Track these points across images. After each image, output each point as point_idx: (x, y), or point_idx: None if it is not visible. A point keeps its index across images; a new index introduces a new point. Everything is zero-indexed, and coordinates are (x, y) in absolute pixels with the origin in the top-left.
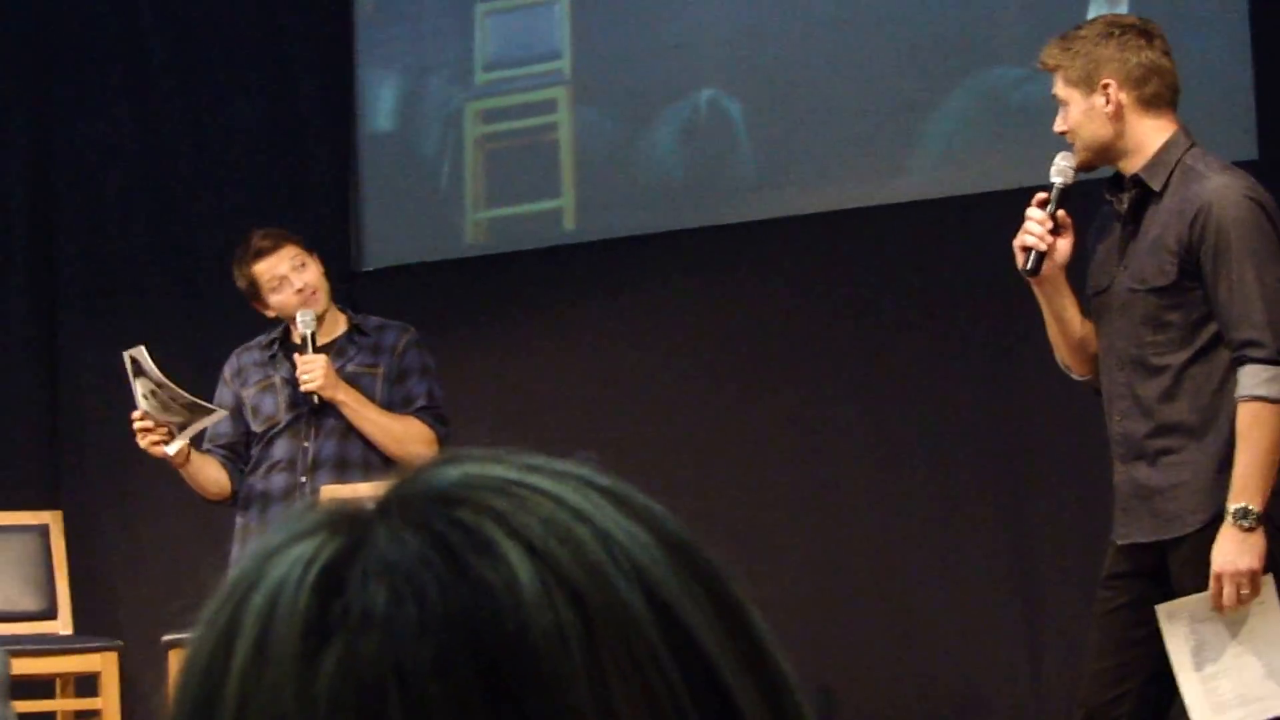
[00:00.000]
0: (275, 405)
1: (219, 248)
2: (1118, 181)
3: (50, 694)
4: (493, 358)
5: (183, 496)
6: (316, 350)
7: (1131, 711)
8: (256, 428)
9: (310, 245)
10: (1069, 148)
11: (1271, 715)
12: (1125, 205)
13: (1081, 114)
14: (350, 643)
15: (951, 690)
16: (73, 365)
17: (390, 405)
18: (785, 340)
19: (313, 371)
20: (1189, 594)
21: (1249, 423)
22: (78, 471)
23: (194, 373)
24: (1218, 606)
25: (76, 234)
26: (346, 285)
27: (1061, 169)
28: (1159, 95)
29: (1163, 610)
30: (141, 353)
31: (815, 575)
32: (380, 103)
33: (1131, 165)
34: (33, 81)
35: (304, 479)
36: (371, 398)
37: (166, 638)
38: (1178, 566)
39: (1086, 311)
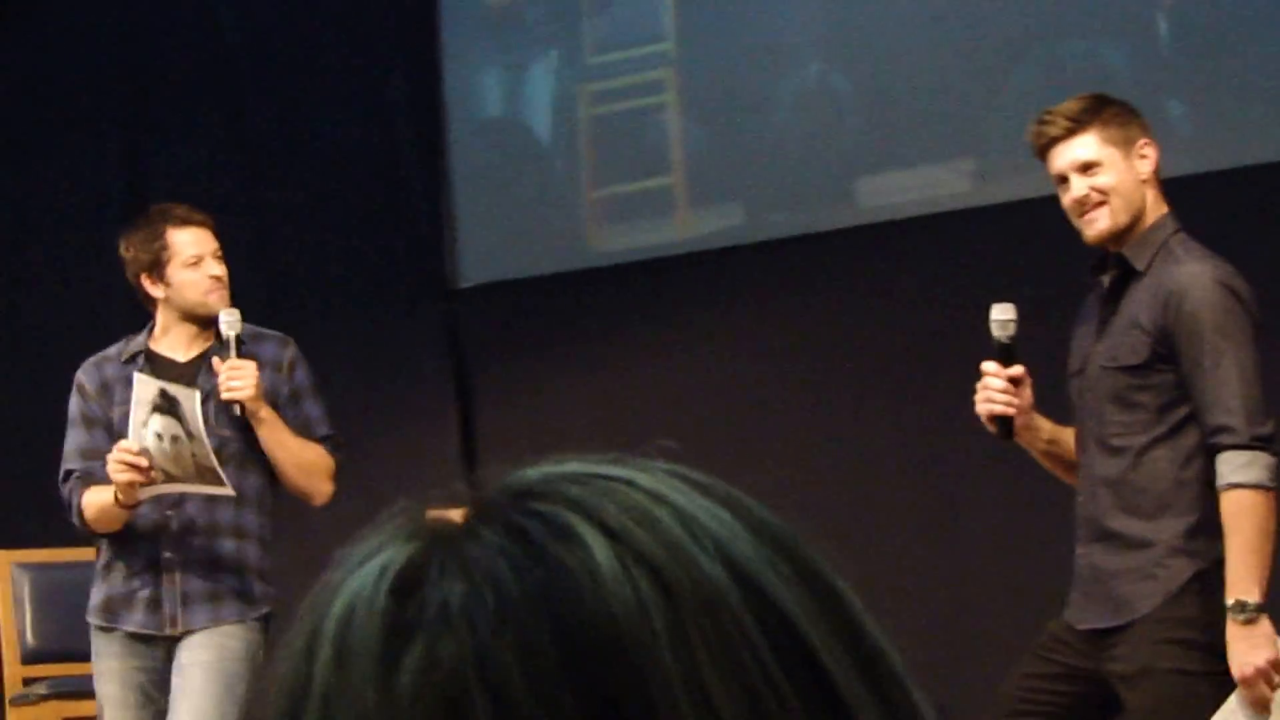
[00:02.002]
0: None
1: (311, 270)
2: (1102, 265)
3: None
4: (600, 374)
5: (278, 526)
6: (178, 367)
7: None
8: None
9: (411, 263)
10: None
11: None
12: (1107, 284)
13: (1121, 175)
14: (430, 638)
15: None
16: None
17: None
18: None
19: (244, 378)
20: (1130, 680)
21: (1232, 512)
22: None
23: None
24: (1255, 707)
25: None
26: (444, 303)
27: (1003, 324)
28: (1158, 171)
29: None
30: (191, 397)
31: (948, 589)
32: (478, 109)
33: (1127, 239)
34: (127, 107)
35: (170, 511)
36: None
37: None
38: (1124, 650)
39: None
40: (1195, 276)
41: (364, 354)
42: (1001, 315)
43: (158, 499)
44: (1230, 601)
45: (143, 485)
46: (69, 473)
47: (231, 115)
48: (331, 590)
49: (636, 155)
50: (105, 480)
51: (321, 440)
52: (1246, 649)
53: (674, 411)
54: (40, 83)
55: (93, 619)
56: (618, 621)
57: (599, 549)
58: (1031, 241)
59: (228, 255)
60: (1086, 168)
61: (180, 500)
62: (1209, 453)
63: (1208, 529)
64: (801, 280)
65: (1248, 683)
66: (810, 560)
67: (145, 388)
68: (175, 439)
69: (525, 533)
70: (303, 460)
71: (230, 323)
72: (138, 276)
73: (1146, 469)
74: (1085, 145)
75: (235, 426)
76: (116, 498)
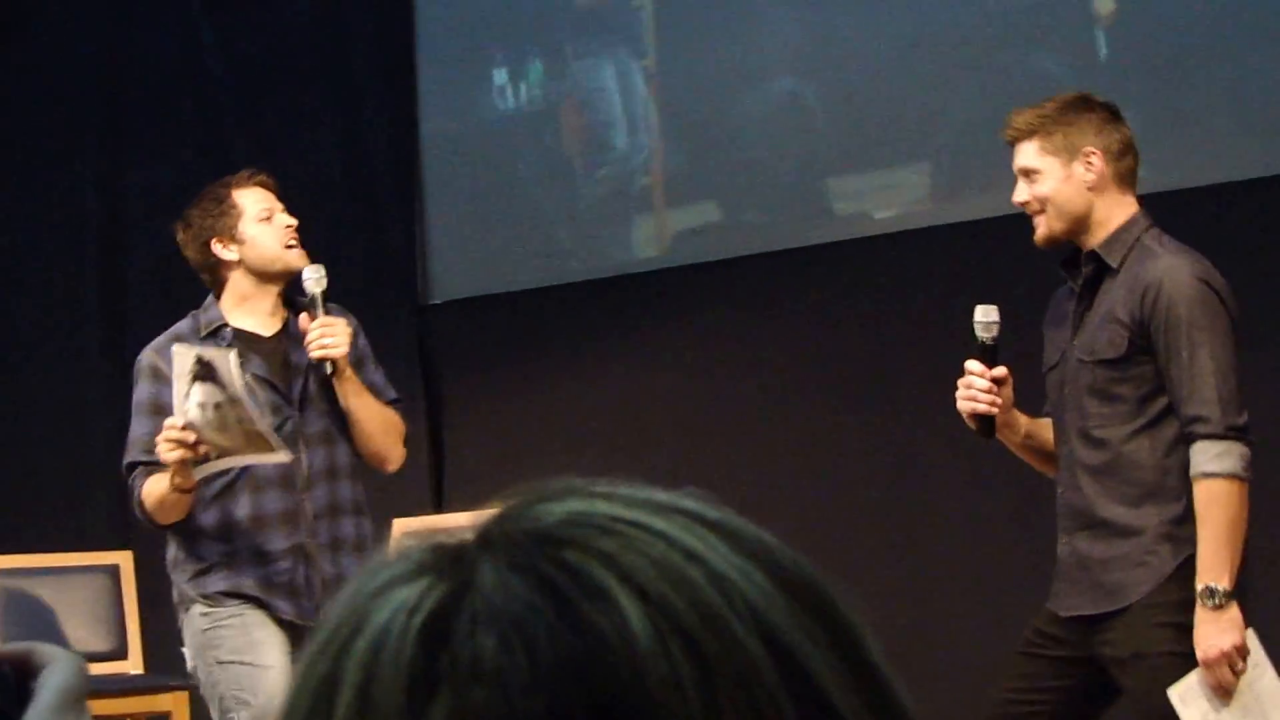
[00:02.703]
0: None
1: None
2: (1074, 260)
3: None
4: (569, 389)
5: None
6: (266, 342)
7: None
8: None
9: (381, 278)
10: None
11: None
12: (1081, 281)
13: (1060, 183)
14: (459, 694)
15: None
16: None
17: None
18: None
19: (336, 334)
20: (1124, 664)
21: (1204, 501)
22: None
23: None
24: (1216, 690)
25: (147, 279)
26: (415, 318)
27: (986, 325)
28: (1132, 172)
29: (1174, 694)
30: (226, 357)
31: (919, 601)
32: (452, 123)
33: (1092, 240)
34: (101, 123)
35: (303, 496)
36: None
37: None
38: (1117, 635)
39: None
40: (1172, 270)
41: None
42: (985, 317)
43: (286, 486)
44: (1200, 587)
45: (195, 463)
46: (133, 465)
47: (208, 135)
48: (350, 624)
49: (613, 170)
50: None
51: (390, 404)
52: (1214, 632)
53: (644, 425)
54: (17, 103)
55: (230, 591)
56: (651, 694)
57: (634, 615)
58: (1001, 253)
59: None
60: (1028, 174)
61: (309, 483)
62: (1185, 442)
63: (1193, 516)
64: (771, 294)
65: (1211, 665)
66: (845, 624)
67: (183, 358)
68: (217, 406)
69: (557, 588)
70: (385, 421)
71: (317, 279)
72: (206, 245)
73: (1129, 458)
74: (1026, 154)
75: (329, 399)
76: (173, 481)
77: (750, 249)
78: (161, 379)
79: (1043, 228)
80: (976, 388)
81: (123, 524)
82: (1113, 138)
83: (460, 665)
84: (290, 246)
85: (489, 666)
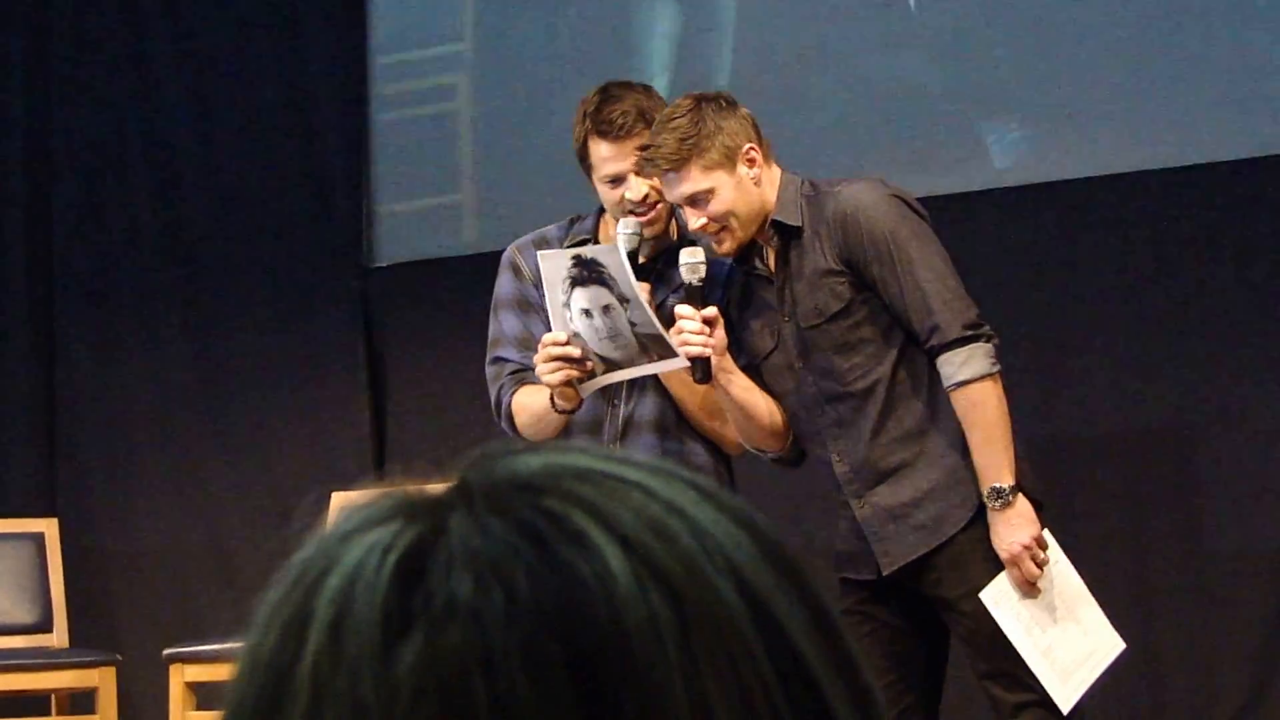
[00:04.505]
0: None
1: (225, 245)
2: (747, 254)
3: (45, 711)
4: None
5: (186, 505)
6: (642, 270)
7: None
8: None
9: (325, 240)
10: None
11: (1106, 664)
12: (771, 259)
13: (734, 193)
14: (434, 631)
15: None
16: (70, 367)
17: None
18: None
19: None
20: (956, 591)
21: (965, 409)
22: (75, 478)
23: (195, 380)
24: (1024, 586)
25: (75, 230)
26: (359, 282)
27: (693, 266)
28: (768, 144)
29: (987, 596)
30: (614, 251)
31: None
32: (401, 86)
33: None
34: (30, 68)
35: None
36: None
37: (167, 651)
38: (944, 573)
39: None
40: (855, 197)
41: (278, 332)
42: (690, 258)
43: (593, 435)
44: (985, 490)
45: (581, 381)
46: (500, 361)
47: (142, 84)
48: (319, 564)
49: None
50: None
51: None
52: (1008, 531)
53: None
54: None
55: None
56: (629, 637)
57: (614, 559)
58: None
59: (137, 229)
60: (696, 199)
61: (623, 434)
62: (930, 357)
63: None
64: None
65: (1015, 562)
66: (813, 587)
67: (553, 262)
68: (607, 309)
69: (537, 532)
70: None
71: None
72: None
73: (897, 394)
74: (690, 180)
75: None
76: (552, 401)
77: None
78: (522, 276)
79: (729, 242)
80: (688, 330)
81: (49, 490)
82: (748, 123)
83: (435, 604)
84: (628, 217)
85: (465, 606)
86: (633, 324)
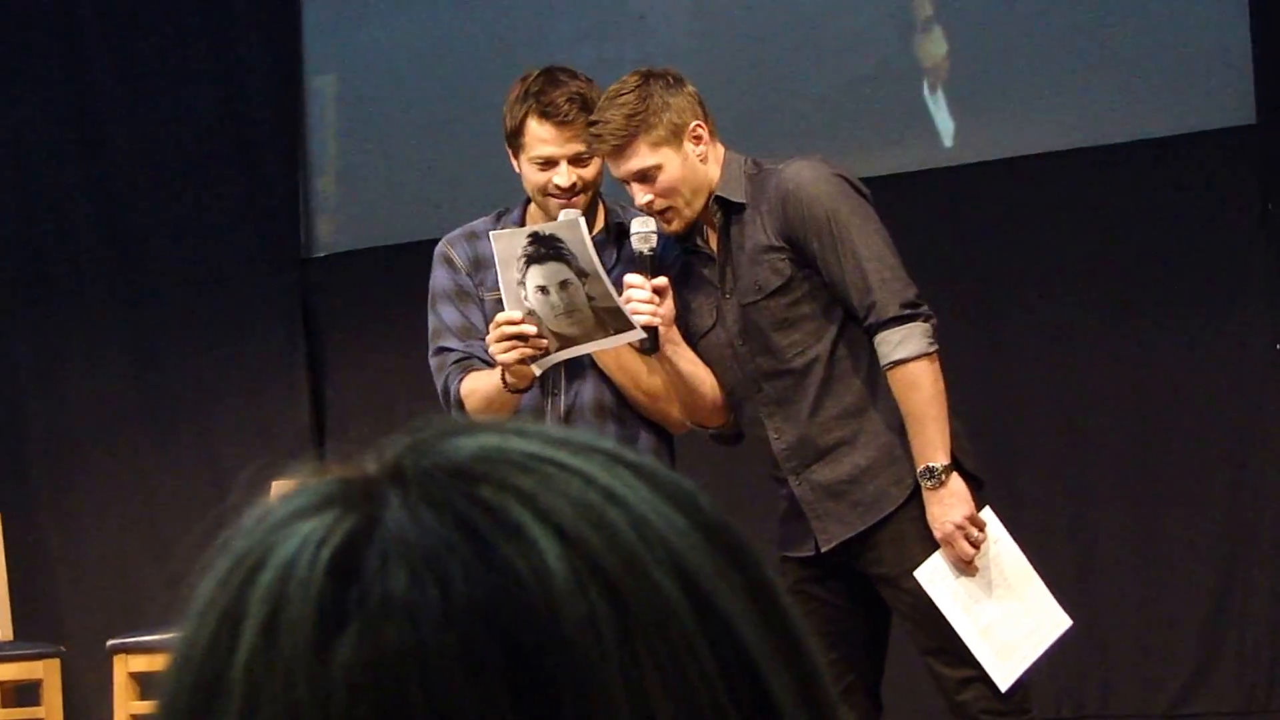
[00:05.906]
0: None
1: (161, 238)
2: (689, 234)
3: None
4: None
5: (127, 496)
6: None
7: (861, 701)
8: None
9: (262, 231)
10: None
11: (1050, 641)
12: (712, 238)
13: (681, 169)
14: (369, 629)
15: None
16: (9, 361)
17: None
18: None
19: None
20: (895, 569)
21: (901, 388)
22: (16, 470)
23: (134, 371)
24: (961, 565)
25: (10, 224)
26: (297, 273)
27: (644, 236)
28: (714, 121)
29: (921, 575)
30: (573, 225)
31: None
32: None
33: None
34: None
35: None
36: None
37: (111, 643)
38: (882, 551)
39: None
40: (797, 175)
41: (215, 322)
42: (643, 228)
43: (538, 418)
44: (920, 469)
45: (534, 359)
46: (443, 351)
47: (76, 80)
48: (252, 557)
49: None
50: (487, 364)
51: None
52: (942, 510)
53: None
54: None
55: None
56: (567, 635)
57: (551, 554)
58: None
59: (71, 217)
60: (645, 175)
61: (566, 422)
62: (868, 335)
63: None
64: None
65: (948, 541)
66: (759, 570)
67: (508, 240)
68: (564, 284)
69: (472, 525)
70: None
71: (644, 235)
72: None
73: (837, 372)
74: (637, 156)
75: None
76: (504, 380)
77: None
78: (454, 267)
79: (679, 221)
80: (636, 299)
81: None
82: (694, 100)
83: (370, 600)
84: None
85: (400, 602)
86: (590, 298)
